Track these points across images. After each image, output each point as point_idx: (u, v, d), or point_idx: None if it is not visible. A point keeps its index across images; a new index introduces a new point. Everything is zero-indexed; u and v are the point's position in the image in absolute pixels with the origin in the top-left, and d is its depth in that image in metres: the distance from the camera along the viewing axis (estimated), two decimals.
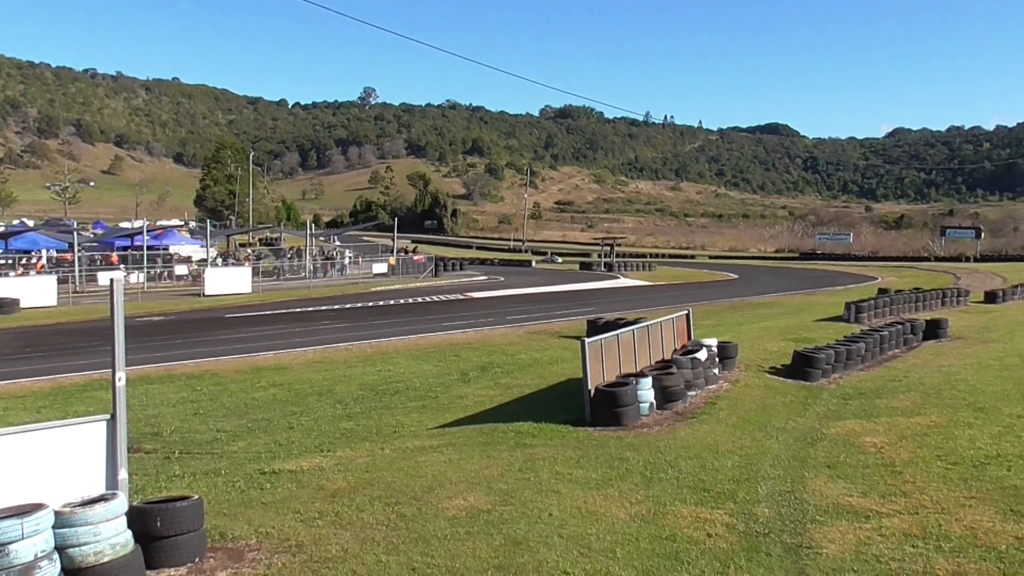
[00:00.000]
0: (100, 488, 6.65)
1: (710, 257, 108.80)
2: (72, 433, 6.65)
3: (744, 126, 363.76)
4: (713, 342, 18.11)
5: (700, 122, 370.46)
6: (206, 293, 39.00)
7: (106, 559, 6.09)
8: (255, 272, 45.52)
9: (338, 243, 76.85)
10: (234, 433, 13.94)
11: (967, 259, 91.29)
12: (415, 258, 61.68)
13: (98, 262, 46.70)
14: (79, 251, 42.41)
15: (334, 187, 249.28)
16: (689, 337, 19.19)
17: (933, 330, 25.02)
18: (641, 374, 14.42)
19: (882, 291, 38.10)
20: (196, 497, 7.08)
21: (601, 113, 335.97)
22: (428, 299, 40.66)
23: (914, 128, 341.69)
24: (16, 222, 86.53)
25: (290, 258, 59.94)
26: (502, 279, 55.96)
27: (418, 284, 50.27)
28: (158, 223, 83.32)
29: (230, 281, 41.40)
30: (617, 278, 62.17)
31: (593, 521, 7.98)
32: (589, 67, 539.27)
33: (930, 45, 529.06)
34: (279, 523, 7.87)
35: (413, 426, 14.16)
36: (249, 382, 18.32)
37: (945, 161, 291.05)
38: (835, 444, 11.57)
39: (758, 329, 26.75)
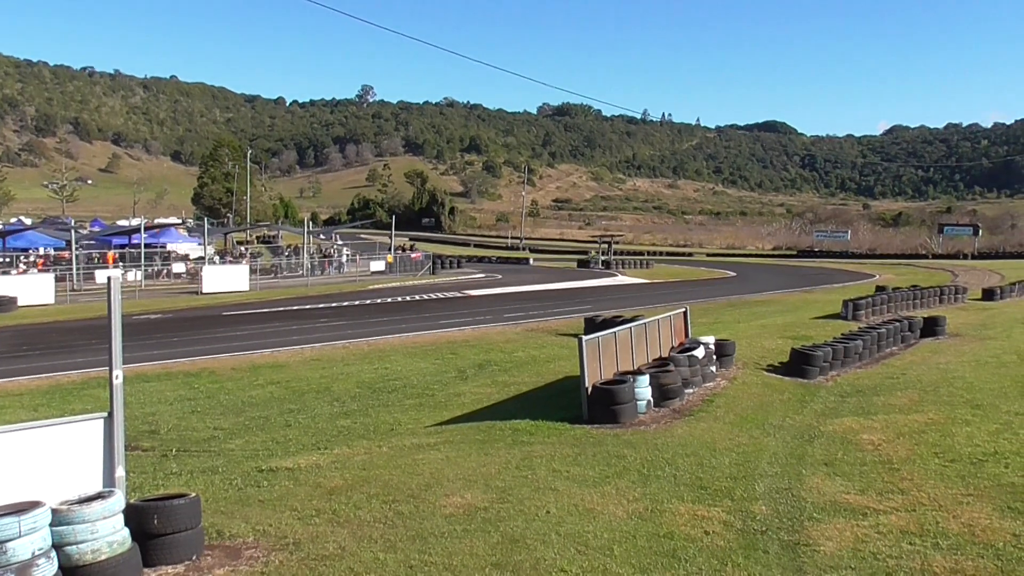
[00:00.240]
0: (97, 486, 6.64)
1: (708, 255, 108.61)
2: (69, 431, 6.65)
3: (742, 124, 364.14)
4: (711, 340, 18.10)
5: (698, 120, 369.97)
6: (203, 291, 38.97)
7: (103, 557, 6.08)
8: (252, 270, 45.46)
9: (340, 241, 76.84)
10: (231, 431, 13.94)
11: (965, 256, 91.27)
12: (413, 256, 61.64)
13: (96, 260, 46.68)
14: (77, 249, 42.40)
15: (332, 185, 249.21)
16: (687, 335, 19.19)
17: (931, 327, 25.03)
18: (638, 372, 14.43)
19: (880, 289, 38.12)
20: (193, 495, 7.07)
21: (599, 111, 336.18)
22: (425, 297, 40.66)
23: (912, 125, 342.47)
24: (14, 220, 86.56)
25: (287, 256, 59.92)
26: (500, 277, 55.93)
27: (415, 282, 50.24)
28: (156, 221, 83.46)
29: (227, 279, 41.37)
30: (614, 276, 62.12)
31: (590, 519, 7.98)
32: (587, 65, 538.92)
33: (928, 42, 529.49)
34: (276, 521, 7.87)
35: (410, 424, 14.17)
36: (246, 380, 18.32)
37: (943, 158, 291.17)
38: (832, 441, 11.57)
39: (756, 327, 26.77)
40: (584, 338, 13.97)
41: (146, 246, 47.71)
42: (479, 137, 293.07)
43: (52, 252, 47.09)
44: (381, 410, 15.46)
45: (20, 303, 31.47)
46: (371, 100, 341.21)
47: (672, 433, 12.06)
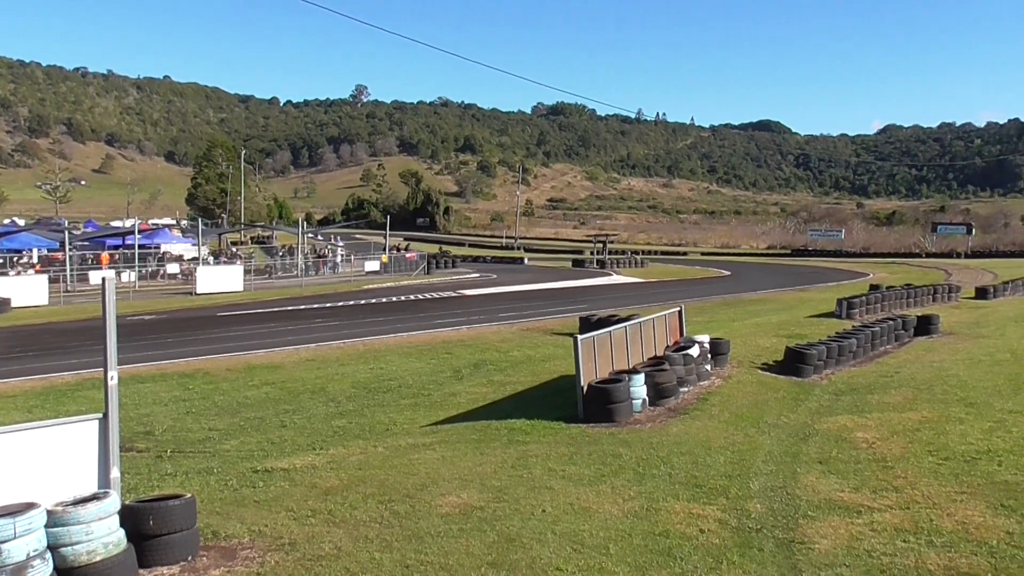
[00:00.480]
0: (92, 487, 6.63)
1: (702, 254, 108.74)
2: (64, 432, 6.64)
3: (736, 123, 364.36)
4: (705, 338, 18.14)
5: (692, 119, 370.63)
6: (198, 292, 38.93)
7: (99, 558, 6.07)
8: (247, 270, 45.43)
9: (341, 242, 76.67)
10: (227, 432, 13.93)
11: (958, 255, 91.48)
12: (407, 256, 61.63)
13: (89, 261, 46.59)
14: (70, 250, 42.31)
15: (326, 185, 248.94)
16: (682, 333, 19.22)
17: (924, 326, 25.09)
18: (634, 371, 14.45)
19: (874, 287, 38.19)
20: (189, 496, 7.06)
21: (593, 110, 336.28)
22: (420, 297, 40.66)
23: (905, 125, 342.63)
24: (7, 221, 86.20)
25: (282, 256, 59.86)
26: (494, 276, 55.94)
27: (410, 282, 50.24)
28: (150, 222, 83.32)
29: (222, 279, 41.33)
30: (609, 275, 62.17)
31: (586, 517, 7.99)
32: (581, 65, 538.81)
33: (922, 42, 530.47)
34: (272, 521, 7.87)
35: (406, 424, 14.17)
36: (241, 380, 18.31)
37: (936, 158, 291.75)
38: (827, 440, 11.60)
39: (750, 325, 26.82)
40: (579, 337, 13.98)
41: (140, 247, 47.66)
42: (474, 137, 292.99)
43: (46, 253, 46.91)
44: (377, 410, 15.46)
45: (13, 304, 31.39)
46: (365, 100, 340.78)
47: (667, 432, 12.08)
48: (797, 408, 14.54)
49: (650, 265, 76.64)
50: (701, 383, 16.31)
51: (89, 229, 76.97)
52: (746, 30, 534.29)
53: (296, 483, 9.55)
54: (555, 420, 12.99)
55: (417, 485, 9.15)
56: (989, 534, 7.54)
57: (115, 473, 6.80)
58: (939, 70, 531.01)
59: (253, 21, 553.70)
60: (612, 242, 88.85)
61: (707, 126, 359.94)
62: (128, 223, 69.42)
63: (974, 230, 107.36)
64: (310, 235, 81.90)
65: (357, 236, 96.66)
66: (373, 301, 37.89)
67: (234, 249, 62.24)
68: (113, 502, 6.34)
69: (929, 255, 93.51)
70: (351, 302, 37.24)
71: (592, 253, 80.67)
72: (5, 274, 38.11)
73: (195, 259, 51.70)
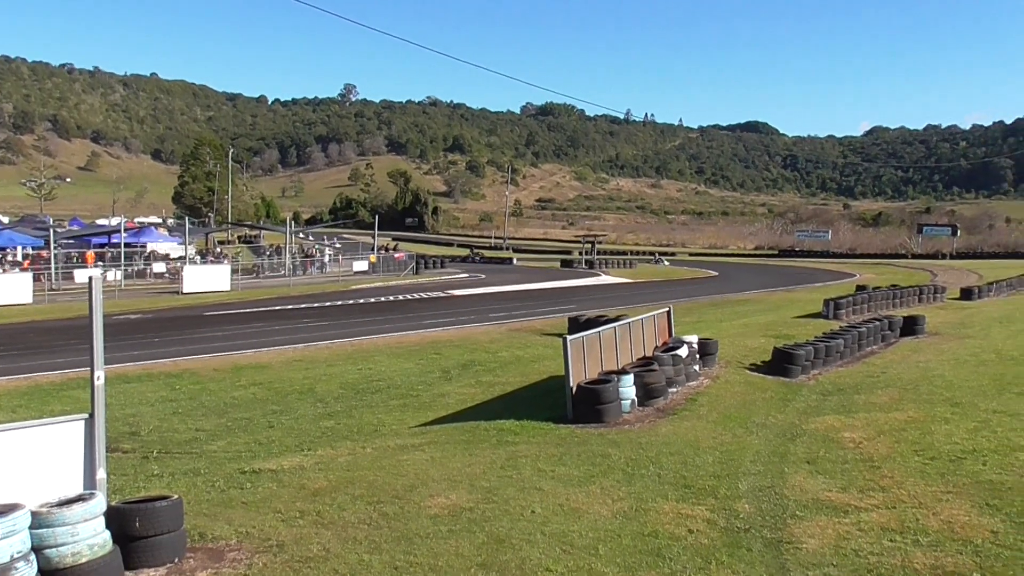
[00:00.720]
0: (78, 488, 6.58)
1: (690, 254, 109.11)
2: (49, 432, 6.58)
3: (724, 124, 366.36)
4: (694, 339, 18.17)
5: (680, 120, 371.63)
6: (184, 291, 38.74)
7: (84, 560, 6.02)
8: (234, 270, 45.24)
9: (337, 243, 76.38)
10: (214, 432, 13.86)
11: (943, 256, 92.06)
12: (396, 256, 61.53)
13: (75, 260, 46.31)
14: (55, 248, 42.04)
15: (314, 184, 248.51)
16: (670, 334, 19.26)
17: (910, 326, 25.23)
18: (623, 371, 14.46)
19: (860, 288, 38.39)
20: (175, 497, 7.01)
21: (582, 111, 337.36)
22: (409, 297, 40.59)
23: (892, 126, 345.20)
24: None
25: (269, 255, 59.66)
26: (483, 277, 55.92)
27: (399, 282, 50.15)
28: (136, 220, 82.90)
29: (209, 279, 41.15)
30: (598, 275, 62.26)
31: (576, 518, 7.99)
32: (570, 65, 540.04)
33: (909, 44, 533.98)
34: (260, 523, 7.83)
35: (395, 424, 14.13)
36: (229, 381, 18.22)
37: (922, 159, 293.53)
38: (815, 439, 11.64)
39: (738, 326, 26.90)
40: (569, 338, 13.97)
41: (126, 245, 47.38)
42: (462, 136, 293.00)
43: (31, 251, 46.60)
44: (365, 411, 15.41)
45: None
46: (354, 99, 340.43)
47: (656, 432, 12.10)
48: (785, 408, 14.58)
49: (638, 266, 76.80)
50: (690, 383, 16.34)
51: (74, 227, 76.45)
52: (734, 31, 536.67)
53: (284, 484, 9.50)
54: (544, 421, 12.98)
55: (406, 486, 9.13)
56: (974, 533, 7.58)
57: (101, 474, 6.74)
58: (925, 72, 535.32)
59: (241, 19, 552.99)
60: (601, 242, 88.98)
61: (695, 127, 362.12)
62: (114, 221, 68.98)
63: (959, 231, 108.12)
64: (301, 235, 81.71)
65: (345, 236, 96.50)
66: (361, 301, 37.81)
67: (219, 249, 61.91)
68: (99, 503, 6.29)
69: (915, 256, 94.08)
70: (339, 302, 37.15)
71: (581, 253, 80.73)
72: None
73: (182, 258, 51.45)
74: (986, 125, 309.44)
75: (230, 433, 13.80)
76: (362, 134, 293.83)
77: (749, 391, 16.30)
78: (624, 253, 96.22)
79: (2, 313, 29.97)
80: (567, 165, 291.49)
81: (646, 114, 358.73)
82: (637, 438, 11.63)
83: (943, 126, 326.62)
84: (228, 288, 41.23)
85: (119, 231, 48.33)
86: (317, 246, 68.65)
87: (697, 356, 17.59)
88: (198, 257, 54.49)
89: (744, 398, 15.52)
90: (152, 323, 28.79)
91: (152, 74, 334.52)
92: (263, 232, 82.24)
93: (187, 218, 62.47)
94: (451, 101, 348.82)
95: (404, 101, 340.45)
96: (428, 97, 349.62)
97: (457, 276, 56.76)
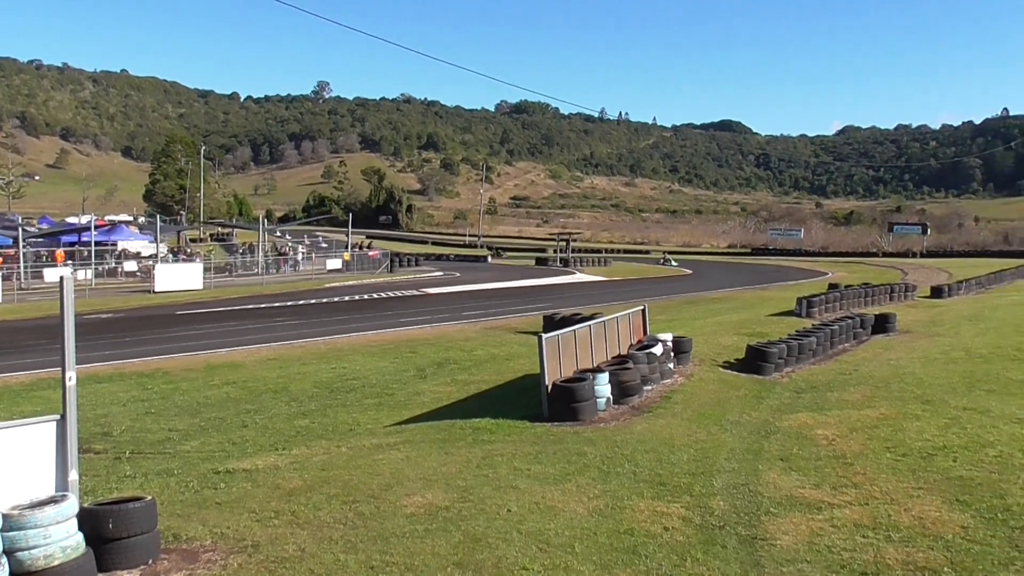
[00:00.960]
0: (50, 490, 6.50)
1: (664, 252, 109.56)
2: (20, 434, 6.49)
3: (698, 123, 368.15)
4: (668, 337, 18.24)
5: (654, 119, 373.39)
6: (156, 289, 38.42)
7: (56, 562, 5.96)
8: (207, 268, 44.89)
9: (307, 240, 75.89)
10: (187, 432, 13.75)
11: (914, 255, 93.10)
12: (370, 254, 61.32)
13: (44, 259, 45.75)
14: (24, 247, 41.50)
15: (287, 182, 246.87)
16: (645, 332, 19.32)
17: (882, 324, 25.46)
18: (598, 369, 14.50)
19: (832, 286, 38.67)
20: (149, 498, 6.95)
21: (557, 109, 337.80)
22: (383, 295, 40.48)
23: (863, 126, 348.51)
24: None
25: (242, 254, 59.25)
26: (458, 275, 55.86)
27: (373, 280, 49.99)
28: (106, 218, 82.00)
29: (181, 277, 40.84)
30: (573, 273, 62.38)
31: (552, 516, 8.00)
32: (545, 63, 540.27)
33: (880, 45, 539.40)
34: (234, 523, 7.77)
35: (370, 423, 14.09)
36: (202, 380, 18.08)
37: (893, 159, 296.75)
38: (788, 437, 11.73)
39: (712, 324, 27.04)
40: (544, 336, 13.98)
41: (96, 244, 46.88)
42: (437, 134, 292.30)
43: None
44: (340, 410, 15.35)
45: None
46: (327, 96, 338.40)
47: (631, 430, 12.14)
48: (759, 406, 14.68)
49: (613, 264, 77.04)
50: (664, 381, 16.40)
51: (44, 225, 75.61)
52: (708, 31, 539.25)
53: (258, 484, 9.45)
54: (520, 419, 12.99)
55: (382, 485, 9.10)
56: (945, 528, 7.68)
57: (73, 475, 6.66)
58: (896, 73, 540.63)
59: (213, 15, 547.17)
60: (575, 240, 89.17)
61: (669, 126, 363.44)
62: (84, 219, 68.33)
63: (929, 230, 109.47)
64: (278, 233, 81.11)
65: (318, 234, 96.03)
66: (335, 300, 37.67)
67: (189, 250, 61.35)
68: (71, 505, 6.23)
69: (886, 254, 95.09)
70: (313, 300, 36.98)
71: (556, 251, 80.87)
72: None
73: (153, 256, 50.98)
74: (956, 125, 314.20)
75: (203, 433, 13.70)
76: (335, 131, 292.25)
77: (723, 389, 16.39)
78: (599, 251, 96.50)
79: None
80: (542, 163, 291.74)
81: (620, 113, 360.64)
82: (612, 436, 11.67)
83: (913, 126, 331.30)
84: (200, 287, 40.94)
85: (89, 229, 47.80)
86: (291, 244, 68.20)
87: (672, 354, 17.67)
88: (170, 255, 53.99)
89: (718, 396, 15.61)
90: (123, 322, 28.50)
91: (122, 70, 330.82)
92: (235, 230, 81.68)
93: (158, 216, 61.94)
94: (425, 98, 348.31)
95: (378, 98, 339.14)
96: (402, 94, 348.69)
97: (432, 274, 56.67)
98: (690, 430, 12.20)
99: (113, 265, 48.66)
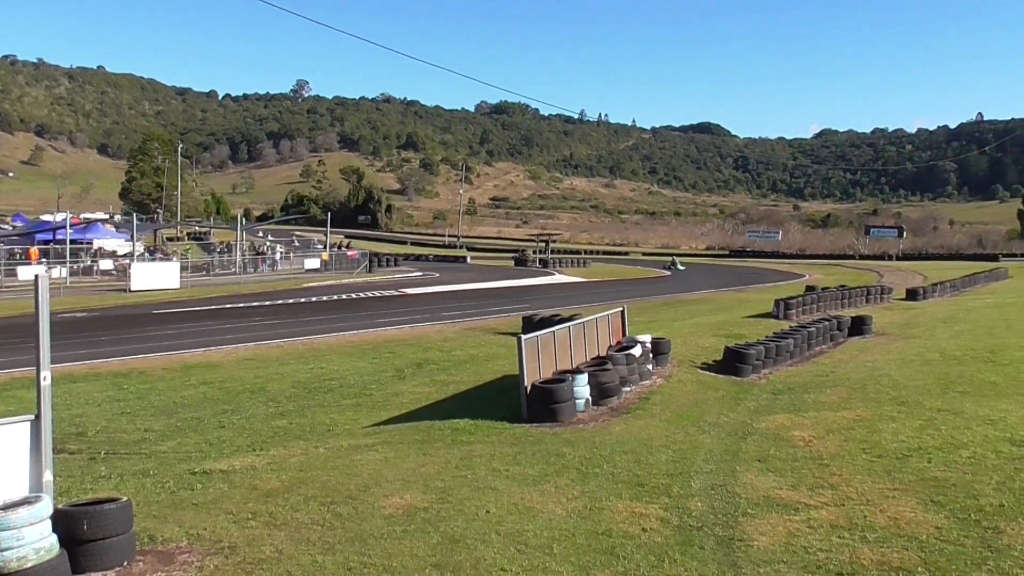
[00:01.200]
0: (24, 491, 6.42)
1: (643, 254, 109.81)
2: None
3: (677, 125, 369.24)
4: (647, 338, 18.31)
5: (634, 121, 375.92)
6: (132, 288, 38.09)
7: (30, 564, 5.90)
8: (184, 267, 44.56)
9: (296, 241, 75.37)
10: (163, 432, 13.65)
11: (890, 257, 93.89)
12: (348, 254, 61.08)
13: (18, 256, 45.24)
14: None
15: (265, 181, 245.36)
16: (624, 333, 19.37)
17: (858, 326, 25.66)
18: (577, 370, 14.52)
19: (810, 288, 38.97)
20: (124, 499, 6.90)
21: (536, 110, 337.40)
22: (362, 295, 40.35)
23: (841, 129, 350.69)
24: None
25: (220, 253, 58.87)
26: (437, 275, 55.76)
27: (352, 280, 49.81)
28: (81, 216, 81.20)
29: (157, 276, 40.53)
30: (552, 274, 62.43)
31: (530, 517, 8.01)
32: (525, 64, 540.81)
33: (857, 49, 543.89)
34: (211, 524, 7.72)
35: (348, 424, 14.04)
36: (178, 380, 17.95)
37: (870, 162, 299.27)
38: (765, 438, 11.80)
39: (690, 325, 27.15)
40: (523, 337, 13.99)
41: (72, 242, 46.45)
42: (416, 134, 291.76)
43: None
44: (318, 410, 15.29)
45: None
46: (306, 95, 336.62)
47: (610, 431, 12.17)
48: (736, 407, 14.76)
49: (592, 265, 77.20)
50: (643, 383, 16.46)
51: (18, 223, 74.85)
52: (687, 34, 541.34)
53: (235, 485, 9.39)
54: (499, 420, 12.99)
55: (360, 486, 9.07)
56: (919, 529, 7.74)
57: (47, 476, 6.59)
58: (873, 77, 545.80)
59: (191, 11, 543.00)
60: (555, 241, 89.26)
61: (648, 128, 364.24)
62: (59, 217, 67.60)
63: (905, 233, 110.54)
64: (260, 233, 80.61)
65: (297, 233, 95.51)
66: (314, 299, 37.51)
67: (166, 249, 60.88)
68: (45, 506, 6.17)
69: (862, 257, 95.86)
70: (291, 300, 36.80)
71: (535, 252, 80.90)
72: None
73: (129, 255, 50.53)
74: (931, 129, 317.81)
75: (180, 433, 13.60)
76: (314, 130, 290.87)
77: (701, 390, 16.47)
78: (578, 252, 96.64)
79: None
80: (521, 164, 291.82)
81: (600, 114, 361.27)
82: (591, 437, 11.69)
83: (890, 130, 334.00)
84: (177, 286, 40.65)
85: (64, 227, 47.35)
86: (269, 243, 67.80)
87: (650, 355, 17.74)
88: (146, 254, 53.54)
89: (696, 397, 15.68)
90: (99, 321, 28.24)
91: (99, 67, 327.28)
92: (213, 229, 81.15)
93: (135, 214, 61.39)
94: (405, 98, 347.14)
95: (357, 98, 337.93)
96: (382, 94, 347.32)
97: (411, 274, 56.55)
98: (668, 431, 12.24)
99: (89, 263, 48.18)
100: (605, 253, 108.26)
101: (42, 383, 6.52)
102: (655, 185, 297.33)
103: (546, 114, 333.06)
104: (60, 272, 41.26)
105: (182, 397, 16.45)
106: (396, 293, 41.89)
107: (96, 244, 55.45)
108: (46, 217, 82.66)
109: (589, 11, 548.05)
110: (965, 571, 6.80)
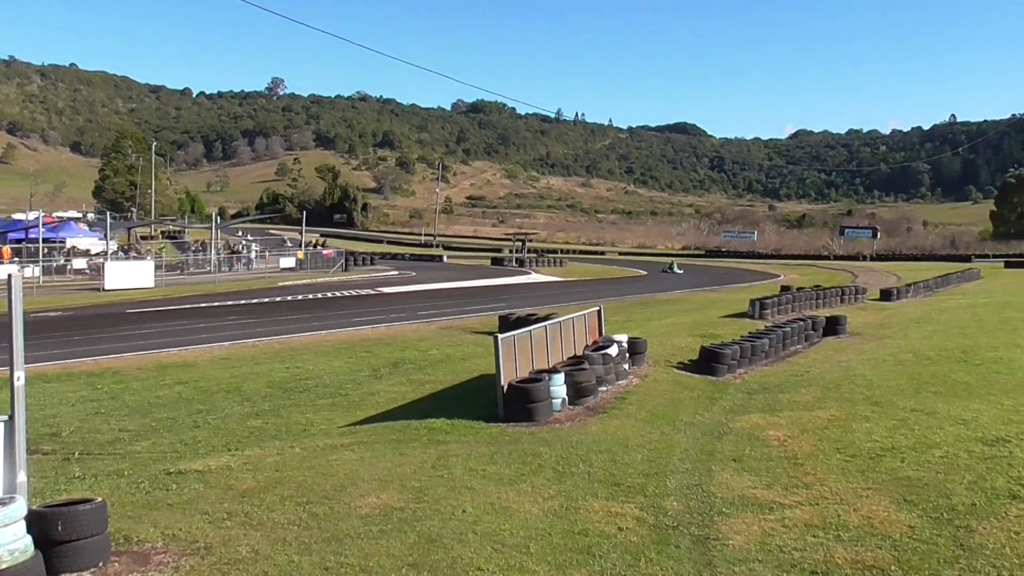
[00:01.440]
0: None
1: (620, 253, 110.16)
2: None
3: (653, 125, 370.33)
4: (623, 338, 18.37)
5: (610, 120, 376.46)
6: (106, 287, 37.73)
7: (4, 566, 5.83)
8: (158, 266, 44.19)
9: (250, 237, 74.89)
10: (137, 432, 13.53)
11: (864, 258, 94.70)
12: (324, 252, 60.81)
13: None
14: None
15: (240, 179, 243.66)
16: (600, 333, 19.43)
17: (832, 326, 25.83)
18: (554, 370, 14.54)
19: (784, 288, 39.23)
20: (99, 499, 6.84)
21: (513, 109, 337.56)
22: (338, 294, 40.19)
23: (816, 130, 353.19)
24: None
25: (195, 251, 58.43)
26: (413, 274, 55.64)
27: (327, 279, 49.60)
28: (54, 215, 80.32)
29: (131, 275, 40.18)
30: (528, 274, 62.45)
31: (506, 517, 8.02)
32: (502, 63, 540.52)
33: (832, 50, 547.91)
34: (186, 525, 7.68)
35: (323, 424, 13.99)
36: (153, 380, 17.81)
37: (844, 163, 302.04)
38: (740, 438, 11.88)
39: (666, 325, 27.25)
40: (500, 336, 14.01)
41: (44, 241, 45.90)
42: (392, 132, 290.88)
43: None
44: (293, 410, 15.22)
45: None
46: (281, 93, 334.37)
47: (586, 431, 12.21)
48: (712, 407, 14.85)
49: (569, 264, 77.32)
50: (619, 382, 16.51)
51: None
52: (663, 34, 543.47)
53: (211, 485, 9.33)
54: (475, 419, 12.99)
55: (336, 486, 9.05)
56: (892, 528, 7.83)
57: (21, 477, 6.54)
58: (848, 78, 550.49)
59: (165, 8, 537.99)
60: (531, 241, 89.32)
61: (625, 127, 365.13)
62: (31, 216, 66.82)
63: (879, 234, 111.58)
64: (239, 232, 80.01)
65: (272, 231, 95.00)
66: (289, 298, 37.32)
67: (140, 248, 60.33)
68: (19, 507, 6.10)
69: (837, 257, 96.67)
70: (266, 299, 36.59)
71: (511, 252, 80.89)
72: None
73: (103, 254, 50.03)
74: (905, 130, 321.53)
75: (155, 433, 13.49)
76: (290, 128, 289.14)
77: (677, 390, 16.56)
78: (554, 251, 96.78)
79: None
80: (498, 163, 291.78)
81: (577, 113, 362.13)
82: (568, 437, 11.72)
83: (864, 131, 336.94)
84: (152, 285, 40.32)
85: (37, 226, 46.78)
86: (244, 242, 67.35)
87: (627, 355, 17.80)
88: (120, 253, 53.01)
89: (672, 397, 15.76)
90: (72, 321, 27.95)
91: (71, 64, 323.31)
92: (187, 227, 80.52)
93: (108, 213, 60.79)
94: (381, 96, 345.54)
95: (333, 96, 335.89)
96: (357, 92, 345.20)
97: (387, 273, 56.39)
98: (644, 431, 12.30)
99: (62, 263, 47.68)
100: (582, 252, 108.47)
101: (15, 383, 6.47)
102: (631, 185, 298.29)
103: (523, 113, 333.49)
104: (33, 271, 40.75)
105: (157, 397, 16.32)
106: (372, 292, 41.76)
107: (69, 243, 54.88)
108: (18, 216, 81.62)
109: (566, 10, 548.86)
110: (938, 569, 6.89)
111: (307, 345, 22.70)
